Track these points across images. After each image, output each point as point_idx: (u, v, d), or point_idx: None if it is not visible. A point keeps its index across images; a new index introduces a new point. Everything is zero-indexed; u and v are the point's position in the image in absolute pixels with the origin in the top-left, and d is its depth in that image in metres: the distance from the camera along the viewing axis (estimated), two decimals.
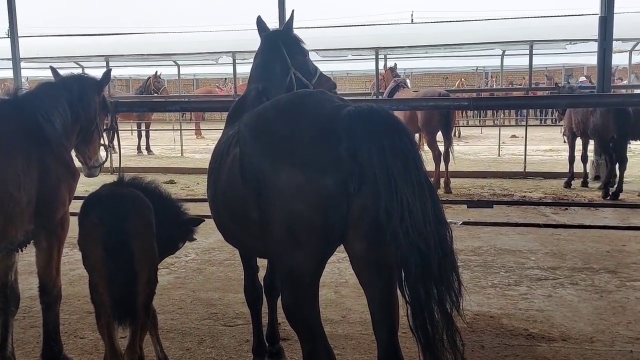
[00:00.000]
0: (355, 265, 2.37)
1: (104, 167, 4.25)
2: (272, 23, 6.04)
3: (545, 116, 24.55)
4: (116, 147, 4.49)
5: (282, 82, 3.44)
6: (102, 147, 4.12)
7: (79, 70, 16.83)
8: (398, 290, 2.33)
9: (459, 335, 2.26)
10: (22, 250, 3.45)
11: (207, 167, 3.07)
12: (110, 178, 4.12)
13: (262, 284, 3.62)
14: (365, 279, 2.36)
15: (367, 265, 2.32)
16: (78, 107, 3.70)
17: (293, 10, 3.71)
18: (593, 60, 11.29)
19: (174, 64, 16.64)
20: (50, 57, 14.36)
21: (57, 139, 3.47)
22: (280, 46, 3.51)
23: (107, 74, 4.04)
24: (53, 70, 4.05)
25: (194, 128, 21.38)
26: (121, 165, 4.33)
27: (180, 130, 16.41)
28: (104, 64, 13.85)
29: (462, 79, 25.43)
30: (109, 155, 4.22)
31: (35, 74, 19.17)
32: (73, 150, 3.85)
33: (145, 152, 16.29)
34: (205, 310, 4.69)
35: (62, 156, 3.49)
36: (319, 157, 2.24)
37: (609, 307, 4.62)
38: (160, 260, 3.13)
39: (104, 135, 4.13)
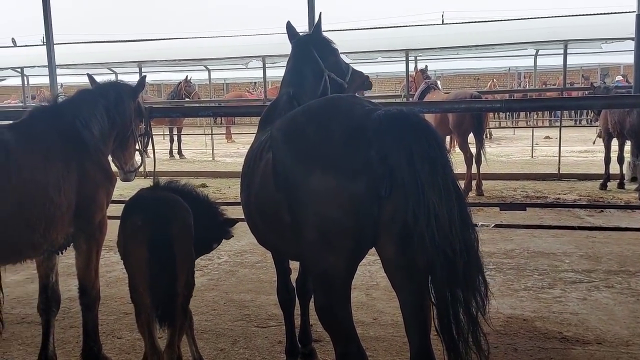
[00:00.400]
0: (387, 268, 2.39)
1: (138, 172, 4.36)
2: (302, 26, 6.12)
3: (580, 117, 24.03)
4: (150, 152, 4.59)
5: (315, 86, 3.48)
6: (137, 152, 4.24)
7: (113, 76, 17.25)
8: None
9: (485, 337, 2.27)
10: (62, 253, 3.58)
11: (239, 170, 3.13)
12: (144, 182, 4.24)
13: (295, 286, 3.66)
14: (397, 281, 2.38)
15: (398, 269, 2.34)
16: (114, 113, 3.81)
17: (321, 13, 3.76)
18: (629, 59, 11.03)
19: (205, 68, 16.88)
20: (84, 64, 14.74)
21: (95, 144, 3.58)
22: (311, 50, 3.55)
23: (142, 80, 4.15)
24: (90, 77, 4.17)
25: (225, 132, 21.62)
26: (155, 170, 4.42)
27: (212, 134, 16.63)
28: (137, 69, 14.17)
29: (494, 80, 25.11)
30: (144, 160, 4.31)
31: (69, 80, 19.68)
32: (110, 155, 3.97)
33: (177, 156, 16.56)
34: (238, 312, 4.76)
35: (100, 161, 3.60)
36: (349, 161, 2.27)
37: None
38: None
39: (139, 140, 4.23)
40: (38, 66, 13.79)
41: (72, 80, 18.64)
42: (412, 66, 12.99)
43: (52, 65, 11.07)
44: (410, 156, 2.18)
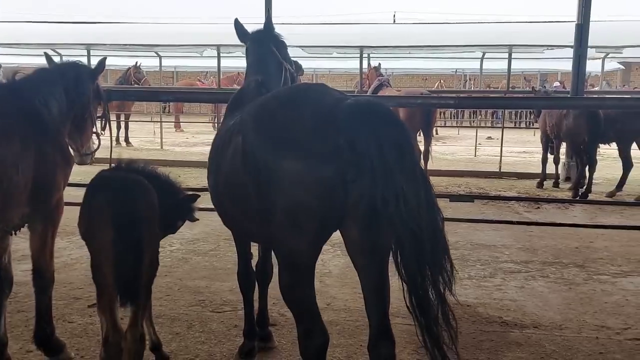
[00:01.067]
0: (350, 249, 2.51)
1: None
2: (255, 17, 6.18)
3: (520, 119, 25.07)
4: (102, 136, 4.52)
5: (278, 75, 3.66)
6: (94, 135, 4.19)
7: (58, 59, 16.60)
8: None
9: (452, 313, 2.41)
10: (15, 234, 3.51)
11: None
12: (95, 168, 4.20)
13: (254, 270, 3.74)
14: (359, 262, 2.50)
15: (362, 250, 2.46)
16: (73, 94, 3.75)
17: (270, 9, 3.90)
18: (567, 66, 11.63)
19: (156, 55, 16.54)
20: (28, 44, 14.18)
21: (53, 124, 3.53)
22: (269, 43, 3.75)
23: (102, 62, 4.10)
24: (47, 56, 4.10)
25: (174, 121, 21.27)
26: (96, 157, 4.36)
27: (161, 122, 16.33)
28: (85, 52, 13.73)
29: (442, 81, 25.80)
30: (100, 143, 4.26)
31: (10, 60, 18.83)
32: (66, 137, 3.92)
33: (123, 143, 16.17)
34: (192, 298, 4.79)
35: (58, 142, 3.55)
36: (319, 147, 2.36)
37: (577, 298, 4.88)
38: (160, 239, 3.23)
39: (97, 123, 4.19)
40: None
41: (12, 60, 17.82)
42: (365, 63, 13.21)
43: None
44: (378, 143, 2.29)
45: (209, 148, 3.33)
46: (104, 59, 4.11)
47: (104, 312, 2.81)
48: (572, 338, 4.06)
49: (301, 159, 2.36)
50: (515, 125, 24.50)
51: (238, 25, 3.85)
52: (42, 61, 3.99)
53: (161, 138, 15.88)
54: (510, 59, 12.49)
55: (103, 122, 4.35)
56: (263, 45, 3.75)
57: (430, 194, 2.36)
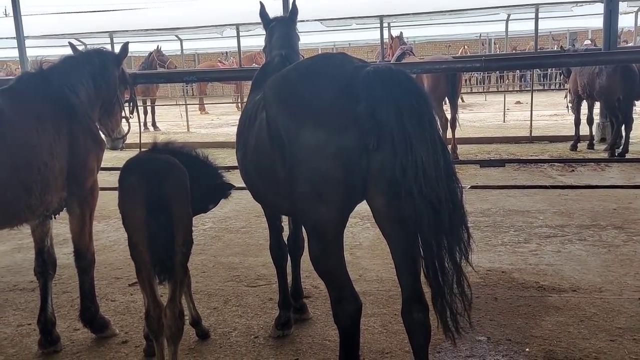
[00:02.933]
0: (377, 217, 2.52)
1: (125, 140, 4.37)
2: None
3: (549, 81, 24.46)
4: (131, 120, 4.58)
5: (298, 53, 3.73)
6: (123, 120, 4.25)
7: (82, 48, 16.76)
8: None
9: (468, 283, 2.43)
10: (55, 218, 3.62)
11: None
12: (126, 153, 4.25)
13: (286, 243, 3.78)
14: (387, 231, 2.51)
15: (388, 219, 2.46)
16: (100, 79, 3.81)
17: (295, 1, 3.94)
18: (598, 23, 11.25)
19: (177, 38, 16.59)
20: (52, 35, 14.38)
21: (83, 110, 3.60)
22: (293, 25, 3.89)
23: (125, 47, 4.13)
24: (72, 45, 4.15)
25: (198, 103, 21.41)
26: (127, 142, 4.42)
27: (186, 105, 16.45)
28: (108, 40, 13.87)
29: (466, 46, 25.26)
30: (130, 127, 4.32)
31: (37, 52, 19.11)
32: (97, 123, 3.98)
33: (151, 128, 16.38)
34: (227, 274, 4.88)
35: (89, 127, 3.62)
36: (339, 116, 2.37)
37: (616, 260, 4.79)
38: None
39: (125, 107, 4.25)
40: (5, 38, 13.39)
41: (39, 52, 18.10)
42: (385, 34, 13.01)
43: (20, 38, 10.78)
44: (398, 111, 2.28)
45: (234, 129, 3.36)
46: (127, 43, 4.14)
47: (144, 288, 2.89)
48: (613, 300, 3.99)
49: (321, 128, 2.37)
50: (544, 87, 23.94)
51: (263, 15, 3.97)
52: (68, 52, 4.04)
53: (187, 121, 16.04)
54: (537, 19, 12.13)
55: (131, 106, 4.41)
56: (287, 24, 3.88)
57: (450, 164, 2.35)
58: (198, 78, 9.00)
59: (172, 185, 2.86)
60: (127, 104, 4.29)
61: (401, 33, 11.78)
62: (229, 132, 15.38)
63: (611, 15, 9.93)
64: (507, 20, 14.88)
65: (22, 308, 4.35)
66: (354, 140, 2.34)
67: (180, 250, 2.89)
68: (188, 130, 15.84)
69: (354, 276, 4.72)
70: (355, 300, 2.54)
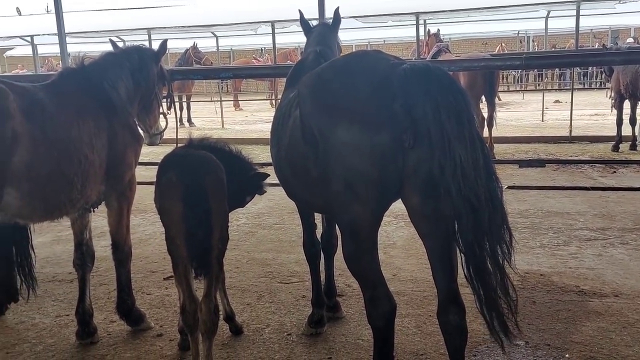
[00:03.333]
0: (412, 216, 2.47)
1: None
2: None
3: (589, 79, 23.81)
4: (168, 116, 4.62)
5: (335, 50, 3.72)
6: (161, 116, 4.29)
7: (120, 44, 17.08)
8: None
9: (512, 285, 2.36)
10: (94, 211, 3.69)
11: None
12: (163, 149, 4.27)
13: (320, 241, 3.76)
14: (423, 230, 2.46)
15: (423, 217, 2.42)
16: (139, 76, 3.85)
17: (338, 7, 3.95)
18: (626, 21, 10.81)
19: (212, 35, 16.74)
20: (92, 32, 14.69)
21: (122, 105, 3.65)
22: (334, 32, 3.91)
23: (164, 44, 4.16)
24: (112, 42, 4.21)
25: (232, 100, 21.59)
26: (164, 137, 4.47)
27: (221, 101, 16.60)
28: (146, 37, 14.09)
29: (503, 44, 24.78)
30: (168, 123, 4.36)
31: (77, 49, 19.54)
32: (135, 119, 4.03)
33: (187, 124, 16.58)
34: (261, 269, 4.89)
35: (127, 122, 3.67)
36: (374, 114, 2.33)
37: None
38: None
39: (163, 103, 4.29)
40: (47, 34, 13.74)
41: (79, 49, 18.53)
42: (421, 30, 12.85)
43: (61, 34, 11.01)
44: (436, 109, 2.24)
45: (268, 126, 3.36)
46: (165, 41, 4.17)
47: (180, 283, 2.91)
48: None
49: (356, 126, 2.34)
50: (584, 86, 23.31)
51: (304, 22, 4.00)
52: (106, 48, 4.10)
53: (222, 117, 16.19)
54: (578, 16, 11.77)
55: (168, 102, 4.45)
56: (327, 28, 3.91)
57: (489, 163, 2.29)
58: (234, 75, 9.05)
59: (209, 181, 2.87)
60: (164, 100, 4.34)
61: (438, 30, 11.62)
62: (263, 128, 15.48)
63: None
64: (546, 18, 14.53)
65: (60, 299, 4.45)
66: (389, 138, 2.30)
67: (217, 246, 2.90)
68: (223, 126, 15.98)
69: (387, 275, 4.67)
70: (389, 300, 2.50)
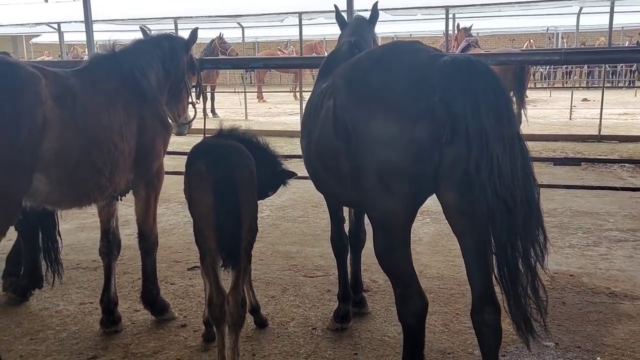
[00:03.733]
0: (447, 214, 2.41)
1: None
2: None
3: (618, 78, 23.29)
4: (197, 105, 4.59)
5: (369, 40, 3.63)
6: (190, 106, 4.27)
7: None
8: None
9: (543, 286, 2.30)
10: (121, 199, 3.68)
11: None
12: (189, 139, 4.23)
13: (347, 235, 3.71)
14: (458, 227, 2.40)
15: (459, 214, 2.36)
16: (169, 64, 3.82)
17: (376, 3, 3.85)
18: None
19: (238, 25, 16.70)
20: (119, 20, 14.76)
21: (152, 93, 3.63)
22: (371, 25, 3.83)
23: (194, 32, 4.13)
24: (142, 30, 4.19)
25: (256, 91, 21.59)
26: (190, 128, 4.45)
27: (245, 92, 16.58)
28: (173, 26, 14.12)
29: (531, 40, 24.35)
30: (196, 113, 4.34)
31: (104, 37, 19.65)
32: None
33: (210, 114, 16.61)
34: (285, 262, 4.86)
35: (157, 110, 3.65)
36: (412, 107, 2.26)
37: None
38: None
39: (192, 93, 4.26)
40: (74, 21, 13.84)
41: (105, 37, 18.64)
42: (450, 25, 12.65)
43: (88, 22, 11.08)
44: (475, 104, 2.17)
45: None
46: (196, 29, 4.13)
47: (207, 274, 2.88)
48: None
49: (392, 119, 2.28)
50: (612, 85, 22.82)
51: (339, 17, 3.95)
52: (132, 37, 4.07)
53: (245, 108, 16.20)
54: (612, 12, 11.42)
55: (197, 91, 4.42)
56: (363, 20, 3.82)
57: (528, 164, 2.23)
58: (264, 65, 8.98)
59: (240, 171, 2.83)
60: (193, 90, 4.31)
61: (471, 25, 11.41)
62: (286, 121, 15.46)
63: None
64: (578, 14, 14.18)
65: (84, 286, 4.47)
66: (426, 131, 2.23)
67: (246, 238, 2.86)
68: (246, 117, 15.99)
69: None
70: (421, 298, 2.44)
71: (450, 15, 12.62)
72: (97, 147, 3.10)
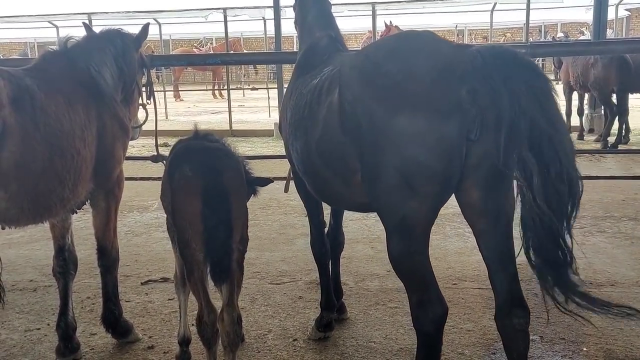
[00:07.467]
0: (470, 214, 2.31)
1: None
2: None
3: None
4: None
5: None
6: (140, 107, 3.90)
7: (54, 30, 16.03)
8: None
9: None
10: (76, 212, 3.29)
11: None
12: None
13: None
14: (480, 227, 2.30)
15: (483, 214, 2.27)
16: (122, 62, 3.47)
17: None
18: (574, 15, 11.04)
19: (155, 22, 15.95)
20: (24, 16, 13.66)
21: (109, 93, 3.27)
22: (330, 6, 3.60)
23: (146, 28, 3.77)
24: (86, 26, 3.78)
25: (173, 90, 20.84)
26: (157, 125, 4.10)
27: (164, 92, 15.91)
28: (87, 22, 13.23)
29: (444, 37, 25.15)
30: (148, 115, 3.97)
31: (4, 35, 18.21)
32: None
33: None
34: (246, 269, 4.54)
35: (116, 111, 3.28)
36: (439, 101, 2.12)
37: None
38: None
39: (143, 94, 3.91)
40: None
41: (7, 35, 17.23)
42: (374, 21, 12.77)
43: None
44: (514, 98, 2.05)
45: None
46: (147, 25, 3.77)
47: (196, 291, 2.61)
48: None
49: (421, 114, 2.13)
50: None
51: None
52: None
53: (165, 108, 15.52)
54: (528, 9, 11.97)
55: (148, 91, 4.06)
56: (324, 3, 3.55)
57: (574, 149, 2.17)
58: (222, 61, 8.54)
59: (230, 175, 2.57)
60: (144, 90, 3.96)
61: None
62: (210, 119, 14.97)
63: (601, 6, 10.01)
64: (492, 10, 14.79)
65: (26, 311, 4.00)
66: (457, 127, 2.10)
67: (238, 248, 2.61)
68: (167, 117, 15.32)
69: (382, 271, 4.51)
70: (440, 303, 2.30)
71: (377, 12, 12.74)
72: (60, 154, 2.72)
